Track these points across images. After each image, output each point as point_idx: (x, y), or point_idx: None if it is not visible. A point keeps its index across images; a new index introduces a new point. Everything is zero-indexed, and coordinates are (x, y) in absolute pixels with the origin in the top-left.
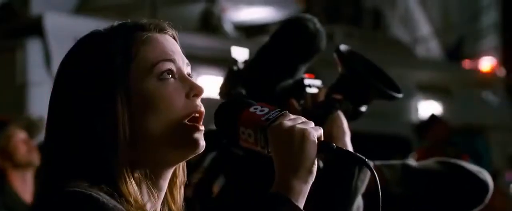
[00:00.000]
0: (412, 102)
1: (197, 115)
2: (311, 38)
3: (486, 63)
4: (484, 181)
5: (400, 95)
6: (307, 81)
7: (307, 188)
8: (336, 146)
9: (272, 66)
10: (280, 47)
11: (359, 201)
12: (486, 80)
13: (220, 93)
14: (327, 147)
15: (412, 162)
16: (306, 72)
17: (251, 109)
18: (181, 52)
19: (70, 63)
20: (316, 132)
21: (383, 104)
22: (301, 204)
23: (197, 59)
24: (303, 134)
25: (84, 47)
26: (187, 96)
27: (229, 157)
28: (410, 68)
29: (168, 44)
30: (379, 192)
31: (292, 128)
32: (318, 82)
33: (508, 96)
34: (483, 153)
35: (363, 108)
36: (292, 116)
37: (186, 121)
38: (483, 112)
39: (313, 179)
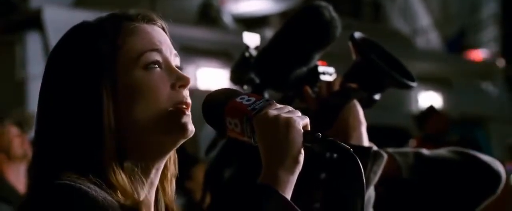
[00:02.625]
0: (412, 93)
1: (184, 106)
2: (326, 26)
3: (486, 54)
4: (497, 171)
5: (414, 84)
6: (321, 69)
7: (293, 178)
8: (322, 135)
9: (286, 54)
10: (295, 34)
11: (370, 192)
12: (486, 71)
13: (231, 79)
14: (312, 136)
15: (424, 150)
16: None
17: (238, 99)
18: (170, 43)
19: (58, 54)
20: (301, 121)
21: (383, 95)
22: (288, 194)
23: (196, 51)
24: (288, 122)
25: (71, 38)
26: (173, 86)
27: (239, 144)
28: (410, 60)
29: (156, 34)
30: (363, 182)
31: (277, 116)
32: (331, 69)
33: (508, 87)
34: (483, 144)
35: (377, 96)
36: (278, 106)
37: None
38: (483, 103)
39: (300, 169)
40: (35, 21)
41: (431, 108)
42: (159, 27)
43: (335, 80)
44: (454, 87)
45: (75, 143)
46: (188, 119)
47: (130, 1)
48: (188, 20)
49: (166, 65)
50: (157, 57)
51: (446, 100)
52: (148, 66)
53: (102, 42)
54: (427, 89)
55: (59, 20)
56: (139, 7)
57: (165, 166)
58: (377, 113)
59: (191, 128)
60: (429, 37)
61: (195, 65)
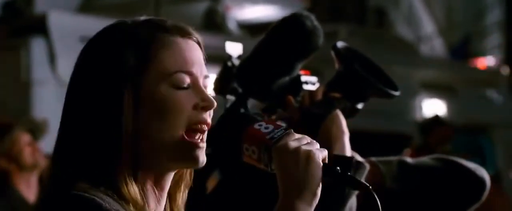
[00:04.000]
0: (416, 100)
1: (201, 127)
2: (308, 35)
3: (490, 62)
4: (481, 178)
5: (397, 93)
6: (303, 78)
7: (311, 210)
8: (341, 170)
9: (268, 63)
10: (277, 44)
11: (351, 202)
12: (490, 78)
13: (215, 89)
14: (330, 171)
15: (408, 158)
16: (304, 68)
17: (256, 126)
18: (203, 62)
19: (87, 55)
20: (321, 154)
21: (387, 102)
22: None
23: None
24: (309, 156)
25: (102, 40)
26: (195, 107)
27: (224, 154)
28: (414, 67)
29: (190, 52)
30: None
31: (298, 149)
32: (314, 79)
33: None
34: (487, 152)
35: (360, 106)
36: (297, 136)
37: (187, 133)
38: (487, 111)
39: (317, 201)
40: (40, 26)
41: (436, 119)
42: (194, 41)
43: (317, 89)
44: (458, 94)
45: (93, 151)
46: (200, 151)
47: (135, 6)
48: (193, 26)
49: (194, 85)
50: (187, 78)
51: (450, 108)
52: (176, 84)
53: (132, 50)
54: (431, 96)
55: (64, 25)
56: (144, 13)
57: (180, 177)
58: (380, 120)
59: (202, 159)
60: (434, 44)
61: None
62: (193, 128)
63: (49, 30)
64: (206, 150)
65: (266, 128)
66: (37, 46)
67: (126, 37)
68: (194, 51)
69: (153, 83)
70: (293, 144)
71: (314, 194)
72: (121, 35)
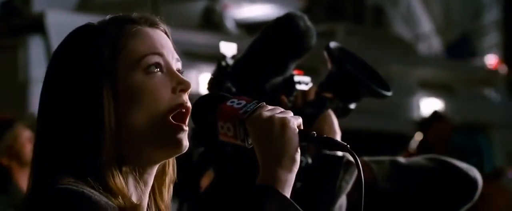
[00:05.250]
0: (414, 99)
1: (183, 110)
2: (301, 36)
3: (488, 61)
4: (474, 178)
5: (389, 93)
6: (296, 78)
7: (292, 177)
8: (316, 134)
9: (262, 63)
10: (270, 44)
11: (342, 200)
12: (488, 78)
13: (209, 89)
14: (306, 136)
15: (400, 158)
16: (300, 68)
17: (228, 103)
18: (172, 48)
19: (60, 55)
20: (295, 121)
21: (385, 102)
22: (287, 193)
23: (199, 56)
24: (283, 122)
25: (73, 39)
26: (174, 90)
27: (218, 152)
28: (412, 66)
29: (158, 38)
30: (361, 181)
31: (271, 117)
32: (307, 79)
33: (510, 93)
34: (485, 151)
35: (352, 106)
36: (270, 107)
37: (171, 117)
38: (485, 110)
39: (297, 167)
40: (37, 25)
41: (434, 115)
42: (162, 31)
43: (310, 89)
44: (456, 93)
45: (76, 145)
46: (184, 135)
47: (133, 5)
48: (191, 25)
49: (167, 69)
50: (158, 60)
51: (448, 107)
52: (149, 68)
53: (104, 44)
54: (429, 95)
55: (62, 24)
56: (142, 11)
57: (164, 171)
58: (378, 119)
59: (185, 143)
60: (431, 43)
61: (197, 70)
62: (176, 111)
63: (46, 29)
64: (199, 149)
65: (238, 103)
66: (35, 45)
67: (96, 34)
68: (162, 38)
69: (127, 73)
70: (266, 113)
71: (293, 160)
72: (91, 33)
